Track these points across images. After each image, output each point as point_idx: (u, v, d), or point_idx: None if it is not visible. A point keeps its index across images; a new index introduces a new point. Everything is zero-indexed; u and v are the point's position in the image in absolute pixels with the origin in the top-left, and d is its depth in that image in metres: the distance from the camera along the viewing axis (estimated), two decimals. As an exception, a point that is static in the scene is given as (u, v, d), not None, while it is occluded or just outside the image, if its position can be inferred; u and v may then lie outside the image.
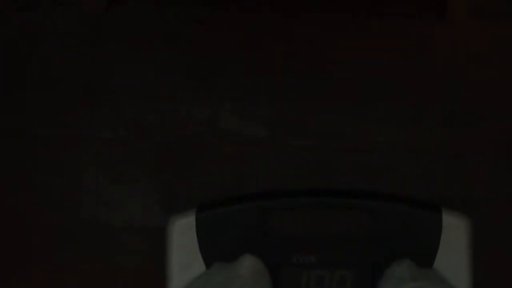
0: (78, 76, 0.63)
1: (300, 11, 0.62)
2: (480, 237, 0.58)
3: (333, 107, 0.62)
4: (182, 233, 0.58)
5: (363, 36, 0.62)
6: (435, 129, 0.61)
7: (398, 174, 0.61)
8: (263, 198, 0.59)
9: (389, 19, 0.62)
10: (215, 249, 0.58)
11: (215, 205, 0.59)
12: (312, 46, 0.62)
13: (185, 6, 0.62)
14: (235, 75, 0.62)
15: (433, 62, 0.61)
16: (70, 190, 0.62)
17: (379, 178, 0.61)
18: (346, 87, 0.62)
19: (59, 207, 0.62)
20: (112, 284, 0.62)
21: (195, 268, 0.57)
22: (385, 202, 0.58)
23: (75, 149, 0.62)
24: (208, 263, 0.57)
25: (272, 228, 0.59)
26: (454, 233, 0.57)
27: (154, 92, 0.62)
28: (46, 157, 0.62)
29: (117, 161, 0.62)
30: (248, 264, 0.56)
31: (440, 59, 0.61)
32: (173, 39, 0.63)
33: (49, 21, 0.63)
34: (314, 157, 0.62)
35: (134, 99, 0.62)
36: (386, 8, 0.61)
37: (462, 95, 0.61)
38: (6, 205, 0.63)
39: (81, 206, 0.62)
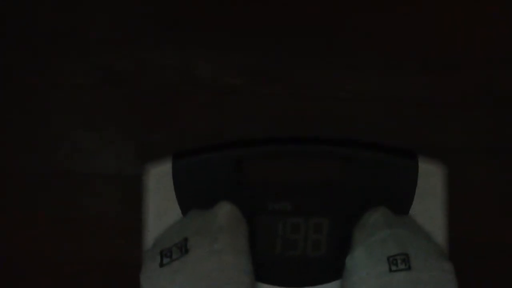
0: (52, 20, 0.61)
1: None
2: (455, 185, 0.58)
3: (309, 56, 0.61)
4: (159, 181, 0.57)
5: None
6: (410, 77, 0.61)
7: (373, 122, 0.61)
8: (239, 146, 0.59)
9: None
10: (192, 196, 0.57)
11: (191, 153, 0.58)
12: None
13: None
14: (210, 22, 0.61)
15: (407, 10, 0.61)
16: (43, 137, 0.61)
17: (355, 126, 0.61)
18: (321, 36, 0.61)
19: (32, 155, 0.61)
20: (87, 232, 0.61)
21: (172, 216, 0.57)
22: (361, 149, 0.58)
23: (48, 95, 0.61)
24: (184, 210, 0.57)
25: (248, 176, 0.59)
26: (430, 180, 0.57)
27: (127, 39, 0.61)
28: (17, 104, 0.61)
29: (91, 108, 0.61)
30: (225, 211, 0.56)
31: (415, 7, 0.61)
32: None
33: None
34: (290, 106, 0.61)
35: (108, 45, 0.61)
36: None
37: (438, 43, 0.61)
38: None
39: (55, 153, 0.61)
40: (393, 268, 0.53)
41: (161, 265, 0.54)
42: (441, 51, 0.61)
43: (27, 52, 0.61)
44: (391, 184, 0.57)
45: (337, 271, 0.57)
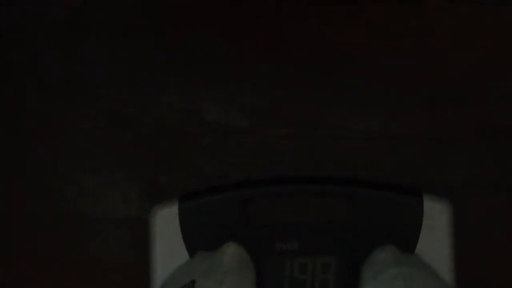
0: (58, 67, 0.62)
1: (280, 1, 0.62)
2: (461, 222, 0.58)
3: (313, 95, 0.62)
4: (165, 223, 0.57)
5: (341, 24, 0.62)
6: (415, 114, 0.61)
7: (378, 161, 0.61)
8: (244, 187, 0.59)
9: (367, 6, 0.62)
10: (198, 238, 0.57)
11: (197, 195, 0.58)
12: (291, 35, 0.62)
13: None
14: (216, 64, 0.62)
15: (411, 47, 0.62)
16: (50, 181, 0.62)
17: (360, 165, 0.61)
18: (325, 75, 0.62)
19: (39, 199, 0.62)
20: (94, 276, 0.61)
21: (179, 258, 0.57)
22: (366, 188, 0.58)
23: (55, 140, 0.62)
24: (191, 252, 0.57)
25: (255, 216, 0.59)
26: (436, 218, 0.57)
27: (133, 82, 0.62)
28: (25, 148, 0.62)
29: (98, 152, 0.62)
30: (231, 252, 0.56)
31: (419, 44, 0.62)
32: (152, 29, 0.62)
33: (27, 14, 0.63)
34: (296, 146, 0.62)
35: (113, 89, 0.62)
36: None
37: (442, 80, 0.61)
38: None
39: (62, 197, 0.62)
40: (401, 307, 0.53)
41: (169, 307, 0.54)
42: (446, 87, 0.61)
43: (33, 98, 0.62)
44: (397, 222, 0.57)
45: (345, 311, 0.57)
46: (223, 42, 0.62)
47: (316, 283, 0.57)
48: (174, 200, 0.58)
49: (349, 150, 0.61)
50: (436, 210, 0.57)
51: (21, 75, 0.62)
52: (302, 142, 0.62)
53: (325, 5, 0.62)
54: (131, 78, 0.62)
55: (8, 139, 0.62)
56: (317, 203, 0.60)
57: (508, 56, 0.62)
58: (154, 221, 0.58)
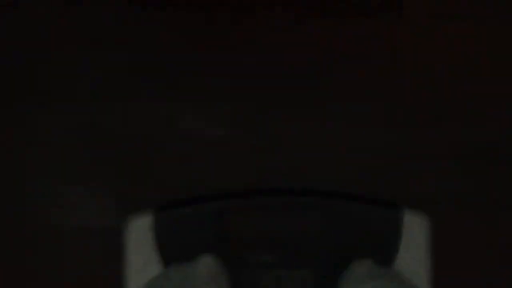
0: (28, 77, 0.61)
1: (256, 9, 0.61)
2: (438, 237, 0.58)
3: (288, 108, 0.61)
4: (139, 234, 0.57)
5: (321, 36, 0.62)
6: (394, 129, 0.61)
7: (356, 174, 0.60)
8: (220, 199, 0.58)
9: (347, 19, 0.61)
10: (172, 250, 0.57)
11: (172, 206, 0.58)
12: (269, 46, 0.62)
13: (136, 5, 0.61)
14: (191, 74, 0.61)
15: (392, 62, 0.61)
16: (24, 192, 0.61)
17: (338, 178, 0.60)
18: (302, 88, 0.61)
19: (13, 210, 0.61)
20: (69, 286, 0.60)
21: (152, 270, 0.56)
22: (345, 201, 0.57)
23: (28, 150, 0.61)
24: (165, 264, 0.57)
25: (230, 228, 0.58)
26: (415, 232, 0.57)
27: (108, 91, 0.61)
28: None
29: (71, 162, 0.61)
30: (205, 264, 0.55)
31: (399, 59, 0.61)
32: (126, 38, 0.62)
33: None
34: (272, 157, 0.61)
35: (88, 98, 0.61)
36: (344, 8, 0.61)
37: (422, 96, 0.61)
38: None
39: (35, 208, 0.61)
40: (378, 322, 0.52)
41: (141, 320, 0.53)
42: (426, 104, 0.61)
43: (8, 108, 0.61)
44: (376, 236, 0.57)
45: (321, 325, 0.56)
46: (199, 51, 0.62)
47: (292, 297, 0.57)
48: (148, 211, 0.57)
49: (329, 163, 0.61)
50: (415, 224, 0.57)
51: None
52: (280, 154, 0.61)
53: (303, 17, 0.61)
54: (105, 87, 0.61)
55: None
56: (295, 216, 0.59)
57: (485, 73, 0.61)
58: (127, 231, 0.57)
